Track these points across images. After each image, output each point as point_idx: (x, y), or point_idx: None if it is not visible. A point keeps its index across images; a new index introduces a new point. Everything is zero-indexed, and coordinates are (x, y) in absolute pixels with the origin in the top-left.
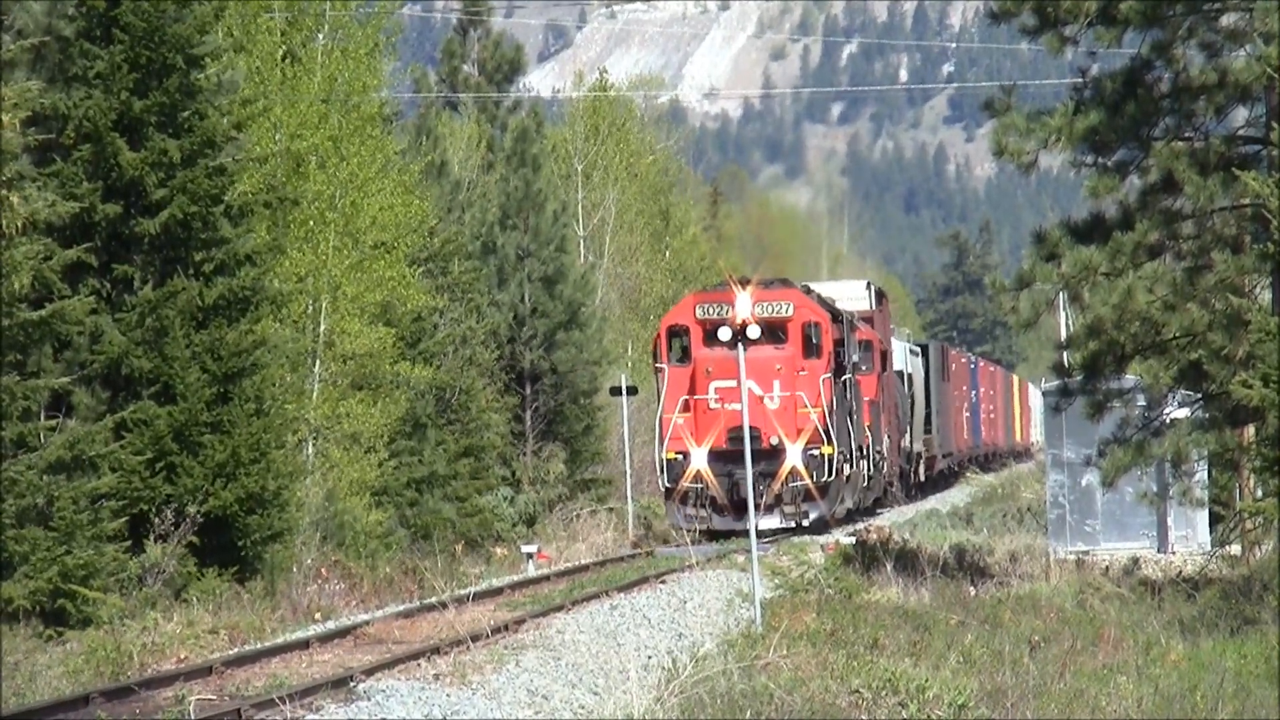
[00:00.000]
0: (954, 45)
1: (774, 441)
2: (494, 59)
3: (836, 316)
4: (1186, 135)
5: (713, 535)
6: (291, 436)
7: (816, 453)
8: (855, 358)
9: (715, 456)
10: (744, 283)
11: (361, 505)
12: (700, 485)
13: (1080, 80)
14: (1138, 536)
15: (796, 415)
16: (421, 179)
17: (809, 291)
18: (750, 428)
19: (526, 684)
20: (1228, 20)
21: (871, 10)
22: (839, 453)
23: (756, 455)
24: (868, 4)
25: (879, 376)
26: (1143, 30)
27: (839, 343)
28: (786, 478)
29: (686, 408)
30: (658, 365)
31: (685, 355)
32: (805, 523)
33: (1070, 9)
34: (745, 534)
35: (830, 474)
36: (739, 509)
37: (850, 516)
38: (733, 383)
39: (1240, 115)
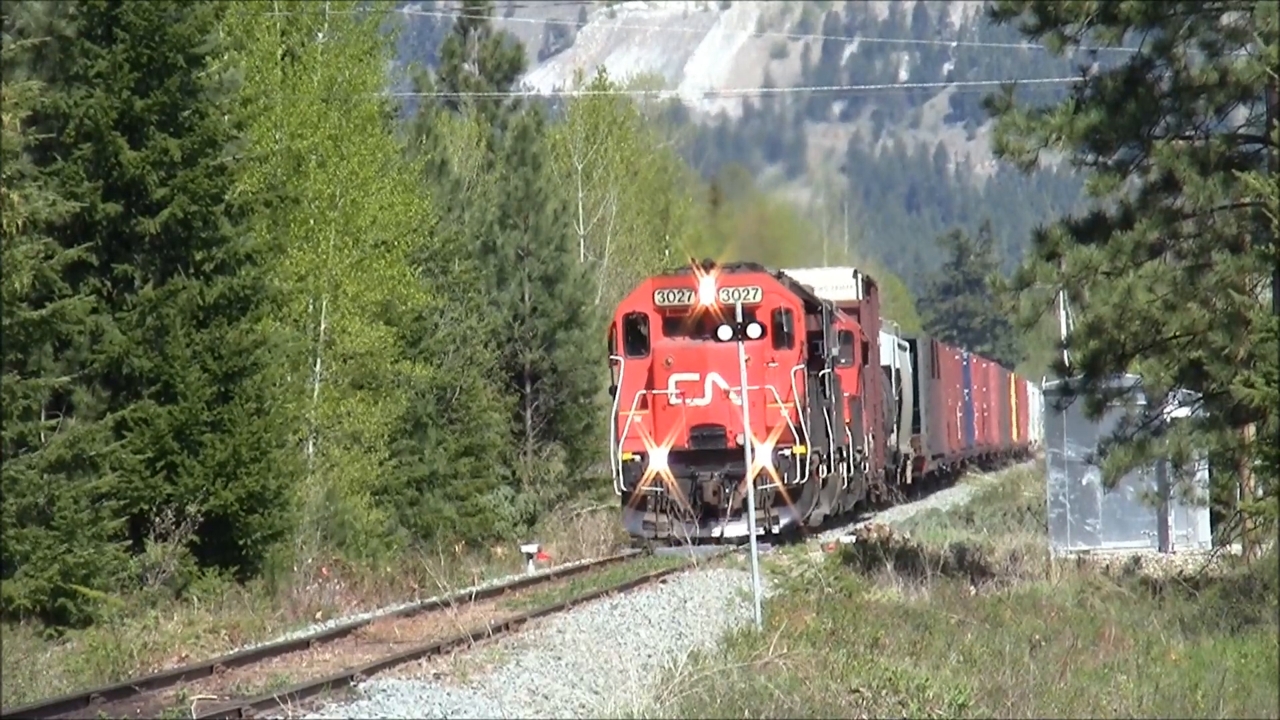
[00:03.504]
0: (954, 44)
1: (740, 440)
2: (494, 58)
3: (813, 305)
4: (1187, 134)
5: (674, 544)
6: (292, 436)
7: (787, 453)
8: (834, 350)
9: (676, 457)
10: (708, 266)
11: (362, 504)
12: (660, 489)
13: (1081, 79)
14: (1138, 536)
15: (765, 411)
16: (421, 178)
17: (781, 277)
18: (713, 425)
19: (527, 683)
20: (1228, 19)
21: (872, 9)
22: (814, 453)
23: (721, 455)
24: (868, 3)
25: (860, 370)
26: (1143, 29)
27: (815, 333)
28: (754, 480)
29: (644, 404)
30: (613, 357)
31: (643, 345)
32: (775, 529)
33: (1071, 8)
34: (709, 542)
35: (803, 476)
36: (703, 515)
37: (828, 522)
38: (695, 376)
39: (1241, 114)
